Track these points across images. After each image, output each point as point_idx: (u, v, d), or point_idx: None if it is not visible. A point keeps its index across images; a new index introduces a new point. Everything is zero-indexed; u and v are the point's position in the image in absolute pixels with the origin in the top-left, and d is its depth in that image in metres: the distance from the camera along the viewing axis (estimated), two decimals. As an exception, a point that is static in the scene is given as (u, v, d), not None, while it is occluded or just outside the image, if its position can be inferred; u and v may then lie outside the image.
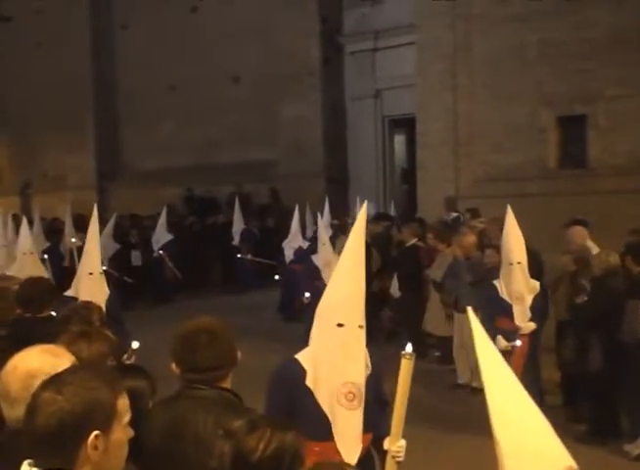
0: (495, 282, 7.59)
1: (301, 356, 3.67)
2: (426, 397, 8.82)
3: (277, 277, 14.00)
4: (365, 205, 3.88)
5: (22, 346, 3.31)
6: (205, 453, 2.68)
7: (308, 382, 3.55)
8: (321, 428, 3.46)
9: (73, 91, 24.23)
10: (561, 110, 13.86)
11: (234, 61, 21.45)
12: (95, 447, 1.95)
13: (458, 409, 8.43)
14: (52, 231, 16.45)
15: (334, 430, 3.49)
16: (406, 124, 18.63)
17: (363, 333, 3.58)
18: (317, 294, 11.09)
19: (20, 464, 2.04)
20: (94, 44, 24.54)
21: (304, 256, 13.56)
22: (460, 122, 14.95)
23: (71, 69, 24.08)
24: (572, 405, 7.93)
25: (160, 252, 15.09)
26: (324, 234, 11.38)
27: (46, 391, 1.97)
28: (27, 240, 8.96)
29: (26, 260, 8.52)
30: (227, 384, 3.02)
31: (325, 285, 11.30)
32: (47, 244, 14.49)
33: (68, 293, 6.57)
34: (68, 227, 14.63)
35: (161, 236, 15.78)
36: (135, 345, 5.37)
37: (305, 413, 3.51)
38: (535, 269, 8.14)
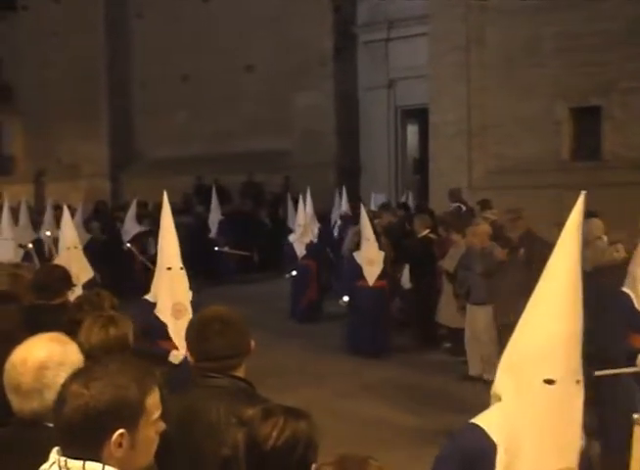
0: (626, 290, 6.05)
1: (486, 423, 2.66)
2: (440, 387, 8.86)
3: (294, 273, 12.85)
4: (582, 197, 2.62)
5: (34, 333, 3.34)
6: (218, 442, 2.69)
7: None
8: None
9: (88, 80, 24.33)
10: (575, 102, 13.81)
11: (247, 51, 21.45)
12: (119, 445, 1.94)
13: (471, 401, 8.43)
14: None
15: None
16: (419, 115, 18.58)
17: (581, 391, 2.56)
18: (361, 296, 10.40)
19: (34, 456, 2.04)
20: (109, 33, 24.60)
21: (317, 251, 12.97)
22: (473, 114, 14.92)
23: (86, 58, 24.17)
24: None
25: (128, 245, 14.15)
26: (368, 229, 10.55)
27: (75, 383, 1.96)
28: (72, 234, 8.42)
29: (71, 255, 8.00)
30: (241, 373, 3.02)
31: (368, 286, 10.34)
32: (35, 235, 14.00)
33: (148, 297, 5.82)
34: (48, 218, 14.08)
35: (131, 228, 15.14)
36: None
37: None
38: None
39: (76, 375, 2.01)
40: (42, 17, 25.15)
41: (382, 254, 10.52)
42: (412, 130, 20.47)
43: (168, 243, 5.73)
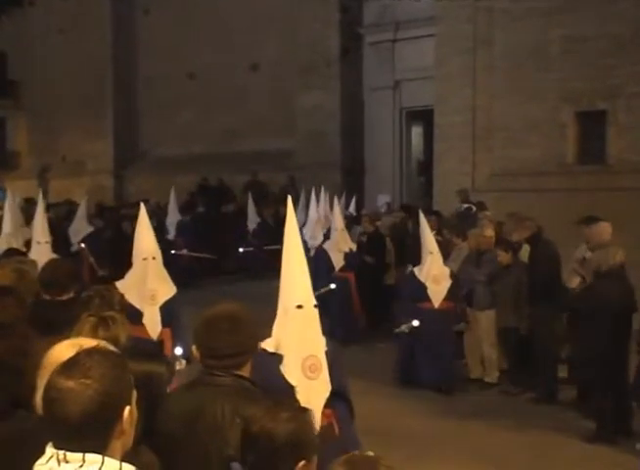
0: None
1: None
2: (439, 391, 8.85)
3: (333, 286, 10.80)
4: None
5: (40, 328, 3.35)
6: (221, 441, 2.70)
7: None
8: None
9: (93, 77, 24.38)
10: (581, 105, 13.78)
11: (253, 49, 21.48)
12: (129, 422, 1.98)
13: (471, 403, 8.44)
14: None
15: None
16: (424, 116, 18.57)
17: None
18: (423, 320, 8.67)
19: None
20: (115, 30, 24.67)
21: (357, 260, 11.60)
22: (478, 116, 14.90)
23: (92, 55, 24.22)
24: (586, 401, 7.84)
25: (82, 245, 13.46)
26: (432, 241, 8.92)
27: (70, 379, 1.92)
28: (149, 241, 6.61)
29: (149, 267, 6.40)
30: (246, 371, 3.01)
31: (432, 308, 8.76)
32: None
33: (266, 345, 3.88)
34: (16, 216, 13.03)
35: (81, 228, 14.31)
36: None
37: None
38: (554, 262, 8.17)
39: (65, 372, 1.95)
40: (48, 13, 25.20)
41: (447, 269, 9.05)
42: (417, 132, 20.45)
43: (300, 274, 3.78)
